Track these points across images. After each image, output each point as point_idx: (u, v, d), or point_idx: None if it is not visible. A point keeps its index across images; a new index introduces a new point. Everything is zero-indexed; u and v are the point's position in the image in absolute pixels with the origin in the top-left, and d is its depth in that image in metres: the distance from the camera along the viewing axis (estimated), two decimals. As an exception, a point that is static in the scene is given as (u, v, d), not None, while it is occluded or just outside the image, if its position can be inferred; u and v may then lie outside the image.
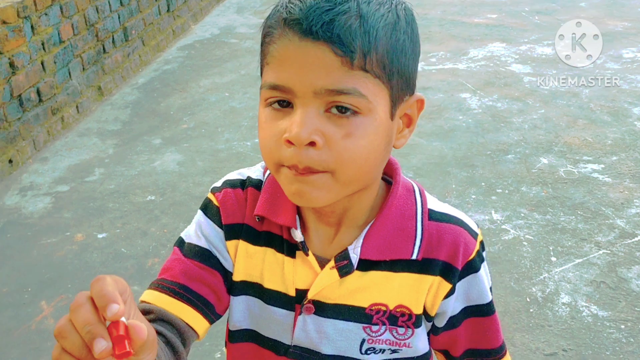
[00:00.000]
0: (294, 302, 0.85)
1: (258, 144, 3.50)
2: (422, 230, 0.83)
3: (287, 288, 0.85)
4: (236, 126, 3.80)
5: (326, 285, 0.83)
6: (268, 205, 0.85)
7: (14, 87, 3.28)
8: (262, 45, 0.76)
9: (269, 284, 0.86)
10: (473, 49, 4.95)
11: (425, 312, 0.85)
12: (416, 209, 0.85)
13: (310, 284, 0.84)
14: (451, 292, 0.84)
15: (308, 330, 0.86)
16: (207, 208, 0.89)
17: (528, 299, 2.43)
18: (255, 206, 0.86)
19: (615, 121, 3.74)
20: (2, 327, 2.34)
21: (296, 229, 0.82)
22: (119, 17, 4.30)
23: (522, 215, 2.92)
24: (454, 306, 0.86)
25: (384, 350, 0.85)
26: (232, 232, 0.87)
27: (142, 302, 0.85)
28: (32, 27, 3.38)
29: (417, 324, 0.85)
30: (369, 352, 0.85)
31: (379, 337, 0.85)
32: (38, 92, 3.48)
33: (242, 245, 0.87)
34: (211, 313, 0.86)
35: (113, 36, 4.24)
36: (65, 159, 3.49)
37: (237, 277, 0.88)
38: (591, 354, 2.17)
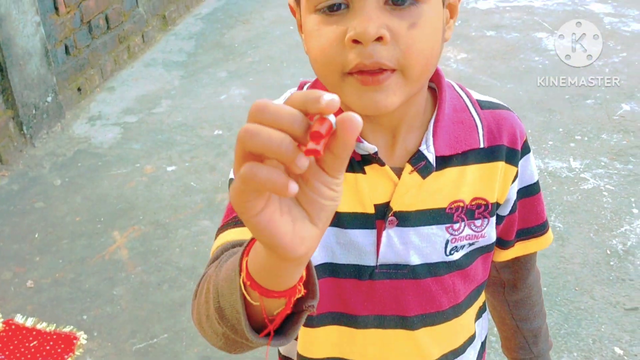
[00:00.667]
0: (375, 218, 0.81)
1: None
2: (480, 119, 0.83)
3: (364, 206, 0.81)
4: (302, 61, 3.70)
5: (408, 191, 0.80)
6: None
7: (84, 13, 3.25)
8: None
9: (343, 207, 0.81)
10: (549, -15, 4.68)
11: (496, 201, 0.85)
12: (464, 100, 0.84)
13: (389, 196, 0.80)
14: (516, 176, 0.85)
15: (393, 245, 0.82)
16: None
17: (608, 252, 2.34)
18: None
19: None
20: (77, 255, 2.38)
21: (362, 142, 0.77)
22: (183, -56, 4.20)
23: (603, 164, 2.79)
24: (514, 190, 0.86)
25: (463, 246, 0.85)
26: None
27: (228, 242, 0.76)
28: (100, -48, 3.31)
29: (492, 213, 0.85)
30: (452, 252, 0.84)
31: (460, 235, 0.84)
32: (106, 19, 3.45)
33: None
34: None
35: (178, -37, 4.15)
36: (132, 89, 3.47)
37: None
38: (676, 311, 2.09)
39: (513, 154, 0.84)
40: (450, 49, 3.83)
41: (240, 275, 0.60)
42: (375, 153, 0.78)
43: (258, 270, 0.57)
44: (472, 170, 0.82)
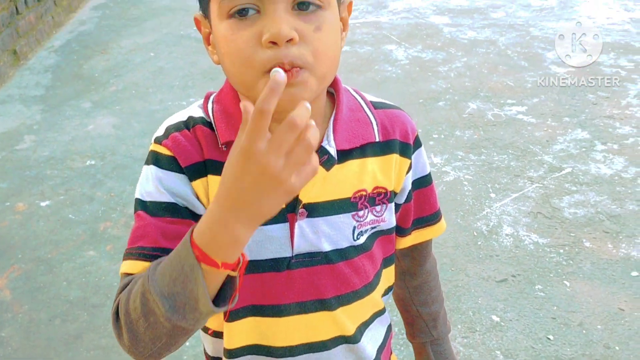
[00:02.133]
0: (286, 212, 0.87)
1: (193, 102, 3.46)
2: (373, 116, 0.91)
3: None
4: (168, 86, 3.72)
5: (315, 184, 0.86)
6: (229, 131, 0.85)
7: None
8: None
9: None
10: (392, 1, 5.05)
11: (393, 189, 0.94)
12: (359, 102, 0.93)
13: None
14: (410, 167, 0.94)
15: (306, 235, 0.88)
16: (159, 160, 0.85)
17: (475, 233, 2.59)
18: (209, 141, 0.85)
19: (531, 66, 3.97)
20: (-46, 302, 2.24)
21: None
22: (29, -24, 4.06)
23: (460, 157, 3.08)
24: (409, 181, 0.95)
25: (367, 230, 0.92)
26: (196, 171, 0.85)
27: (126, 274, 0.82)
28: (-60, -13, 3.14)
29: (390, 200, 0.93)
30: (358, 236, 0.91)
31: (365, 221, 0.91)
32: (-48, 58, 3.26)
33: (213, 178, 0.85)
34: None
35: (24, -4, 4.01)
36: (-11, 128, 3.31)
37: None
38: (537, 277, 2.37)
39: (406, 148, 0.93)
40: (311, 64, 4.02)
41: (194, 253, 0.68)
42: None
43: (214, 250, 0.68)
44: (371, 162, 0.90)
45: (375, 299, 0.99)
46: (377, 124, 0.91)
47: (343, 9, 0.84)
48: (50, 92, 3.67)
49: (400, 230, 1.00)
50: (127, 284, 0.79)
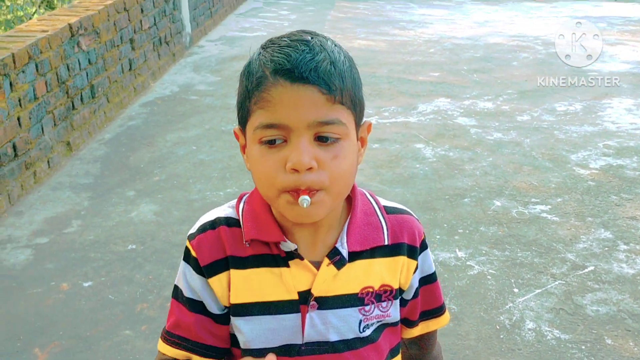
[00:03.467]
0: (299, 304, 0.99)
1: (230, 193, 3.66)
2: (385, 221, 1.03)
3: (290, 294, 0.99)
4: (207, 177, 3.95)
5: (326, 280, 0.98)
6: (255, 230, 0.99)
7: (-8, 142, 3.35)
8: (248, 94, 0.92)
9: (272, 296, 0.99)
10: (421, 104, 5.31)
11: (399, 287, 1.04)
12: (373, 207, 1.05)
13: (309, 284, 0.98)
14: (417, 268, 1.05)
15: (315, 325, 0.99)
16: (188, 257, 1.01)
17: (497, 327, 2.65)
18: (234, 239, 0.99)
19: (556, 167, 4.11)
20: (-2, 375, 2.37)
21: (285, 241, 0.97)
22: (87, 75, 4.43)
23: (484, 252, 3.18)
24: (416, 279, 1.06)
25: (373, 324, 1.02)
26: (214, 269, 1.00)
27: (162, 353, 1.06)
28: (10, 84, 3.47)
29: (396, 296, 1.03)
30: (364, 329, 1.01)
31: (371, 315, 1.01)
32: (14, 147, 3.55)
33: (235, 272, 0.99)
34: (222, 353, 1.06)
35: (81, 93, 4.36)
36: (40, 212, 3.54)
37: (237, 300, 1.00)
38: (558, 372, 2.40)
39: (413, 250, 1.04)
40: (342, 161, 4.23)
41: None
42: (296, 250, 0.98)
43: None
44: (379, 263, 1.02)
45: None
46: (387, 229, 1.02)
47: (362, 129, 0.98)
48: (98, 181, 3.94)
49: (409, 322, 1.11)
50: None
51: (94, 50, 4.56)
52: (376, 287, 1.01)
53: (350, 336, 1.01)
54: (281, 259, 0.98)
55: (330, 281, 0.99)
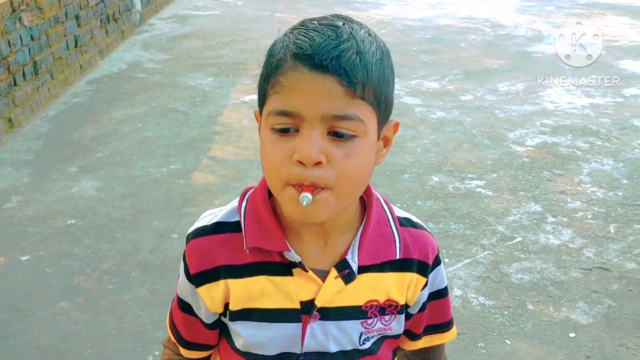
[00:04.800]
0: (300, 313, 0.94)
1: (174, 170, 3.69)
2: (398, 234, 0.96)
3: (292, 303, 0.94)
4: (151, 154, 3.96)
5: (331, 292, 0.94)
6: (257, 237, 0.93)
7: None
8: (267, 76, 0.86)
9: (273, 304, 0.95)
10: (369, 83, 5.39)
11: (405, 302, 1.00)
12: (387, 216, 0.98)
13: (313, 294, 0.93)
14: (426, 285, 1.00)
15: (316, 336, 0.96)
16: (184, 259, 0.98)
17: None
18: (232, 245, 0.94)
19: (494, 144, 4.25)
20: None
21: (289, 251, 0.91)
22: (29, 51, 4.38)
23: (419, 225, 3.28)
24: (425, 294, 1.01)
25: (374, 337, 0.99)
26: (204, 277, 0.96)
27: (168, 340, 1.11)
28: (-55, 58, 3.42)
29: (400, 312, 0.99)
30: (364, 342, 0.98)
31: (373, 328, 0.98)
32: (-50, 123, 3.51)
33: (232, 282, 0.95)
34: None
35: (24, 69, 4.31)
36: (-21, 188, 3.51)
37: (236, 307, 0.96)
38: (480, 335, 2.53)
39: (424, 267, 0.98)
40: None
41: None
42: (300, 262, 0.92)
43: None
44: (387, 277, 0.96)
45: None
46: (399, 242, 0.96)
47: (387, 128, 0.90)
48: (39, 157, 3.91)
49: (412, 334, 1.06)
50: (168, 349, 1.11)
51: (37, 26, 4.49)
52: (381, 301, 0.97)
53: (349, 348, 0.98)
54: (284, 267, 0.93)
55: (336, 293, 0.95)
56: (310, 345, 0.96)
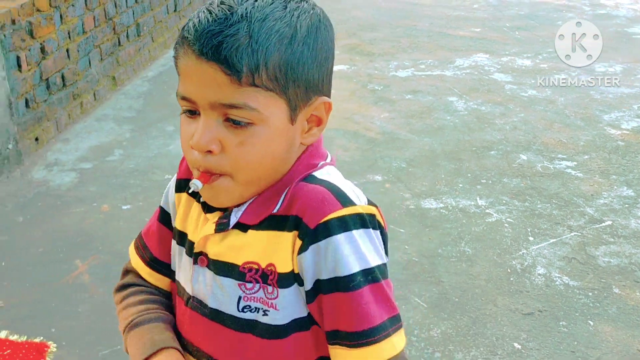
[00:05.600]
0: (192, 251, 0.92)
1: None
2: (288, 189, 0.85)
3: (194, 236, 0.92)
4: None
5: (205, 236, 0.89)
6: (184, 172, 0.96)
7: (43, 71, 3.55)
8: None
9: (189, 229, 0.94)
10: (459, 58, 5.33)
11: (291, 271, 0.84)
12: (297, 176, 0.86)
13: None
14: (304, 249, 0.82)
15: (200, 282, 0.90)
16: (180, 165, 0.99)
17: (509, 270, 2.77)
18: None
19: (587, 125, 4.14)
20: (42, 280, 2.61)
21: (193, 179, 0.86)
22: (133, 13, 4.59)
23: (504, 202, 3.27)
24: (311, 270, 0.82)
25: (258, 309, 0.86)
26: (181, 185, 0.97)
27: (131, 268, 1.07)
28: (60, 16, 3.65)
29: (280, 284, 0.84)
30: (245, 309, 0.86)
31: (253, 295, 0.86)
32: (62, 77, 3.76)
33: (185, 196, 0.95)
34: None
35: (127, 30, 4.53)
36: (85, 140, 3.76)
37: (176, 224, 0.97)
38: (563, 314, 2.52)
39: (299, 225, 0.82)
40: (375, 108, 4.33)
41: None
42: (196, 193, 0.88)
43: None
44: (267, 236, 0.85)
45: None
46: (283, 197, 0.85)
47: (315, 107, 0.84)
48: (140, 115, 4.13)
49: (326, 334, 0.86)
50: (127, 271, 1.09)
51: (140, -11, 4.70)
52: (262, 265, 0.85)
53: (227, 310, 0.88)
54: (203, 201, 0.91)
55: (215, 242, 0.89)
56: (196, 291, 0.92)
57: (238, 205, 0.88)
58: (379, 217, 0.86)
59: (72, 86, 3.88)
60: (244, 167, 0.80)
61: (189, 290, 0.93)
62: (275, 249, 0.84)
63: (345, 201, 0.82)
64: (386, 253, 0.87)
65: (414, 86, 4.72)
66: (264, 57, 0.76)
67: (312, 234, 0.81)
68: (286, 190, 0.85)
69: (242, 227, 0.87)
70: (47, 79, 3.61)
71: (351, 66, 5.04)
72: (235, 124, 0.79)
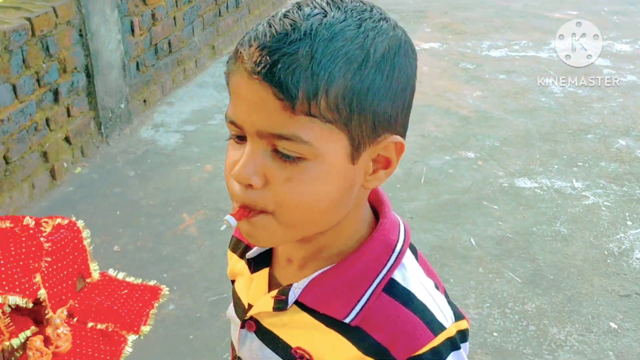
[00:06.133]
0: (243, 313, 0.85)
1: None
2: (366, 299, 0.73)
3: (245, 298, 0.85)
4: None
5: (262, 310, 0.80)
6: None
7: (153, 37, 3.74)
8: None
9: (238, 288, 0.88)
10: (554, 40, 5.22)
11: None
12: (379, 273, 0.74)
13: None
14: None
15: (246, 347, 0.84)
16: None
17: (606, 252, 2.75)
18: None
19: (691, 114, 4.00)
20: (153, 230, 2.79)
21: (251, 247, 0.82)
22: (234, -15, 4.74)
23: (601, 185, 3.23)
24: None
25: None
26: (236, 246, 0.91)
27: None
28: (170, -15, 3.83)
29: None
30: None
31: None
32: (169, 44, 3.94)
33: (230, 252, 0.91)
34: None
35: (227, 2, 4.68)
36: (188, 104, 3.94)
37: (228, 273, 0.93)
38: (662, 299, 2.50)
39: (384, 356, 0.72)
40: (467, 87, 4.32)
41: None
42: (251, 260, 0.83)
43: None
44: (330, 335, 0.75)
45: None
46: (359, 308, 0.73)
47: (384, 147, 0.71)
48: (238, 83, 4.28)
49: None
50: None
51: (241, -39, 4.84)
52: (313, 358, 0.76)
53: None
54: (253, 262, 0.85)
55: (273, 314, 0.79)
56: (242, 353, 0.85)
57: (272, 263, 0.82)
58: (467, 327, 0.77)
59: (177, 53, 4.05)
60: (289, 206, 0.69)
61: (236, 348, 0.87)
62: (333, 354, 0.74)
63: (437, 329, 0.72)
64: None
65: (507, 66, 4.67)
66: (325, 83, 0.64)
67: None
68: (365, 296, 0.73)
69: (301, 305, 0.76)
70: (155, 44, 3.79)
71: (443, 44, 5.03)
72: (284, 157, 0.67)
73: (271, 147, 0.67)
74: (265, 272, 0.82)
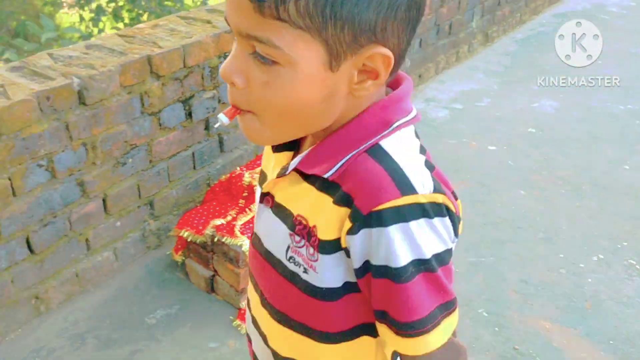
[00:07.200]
0: (263, 191, 0.87)
1: (631, 109, 3.79)
2: (348, 157, 0.74)
3: (271, 175, 0.86)
4: (609, 91, 4.11)
5: (274, 180, 0.83)
6: None
7: (438, 17, 4.01)
8: None
9: (268, 169, 0.89)
10: None
11: (342, 247, 0.75)
12: (368, 140, 0.74)
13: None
14: (354, 231, 0.72)
15: (262, 220, 0.86)
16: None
17: None
18: None
19: None
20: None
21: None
22: (518, -24, 4.84)
23: None
24: (360, 252, 0.73)
25: (299, 265, 0.80)
26: None
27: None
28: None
29: (322, 249, 0.76)
30: (290, 260, 0.81)
31: (298, 249, 0.79)
32: (450, 26, 4.19)
33: None
34: None
35: (509, -8, 4.80)
36: (457, 85, 4.17)
37: (262, 166, 0.94)
38: None
39: (350, 204, 0.72)
40: None
41: None
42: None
43: None
44: (316, 195, 0.77)
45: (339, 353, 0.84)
46: (340, 164, 0.74)
47: (368, 57, 0.68)
48: (507, 71, 4.40)
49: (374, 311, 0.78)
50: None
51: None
52: (310, 224, 0.77)
53: (276, 254, 0.84)
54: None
55: (284, 187, 0.82)
56: (258, 227, 0.88)
57: (300, 150, 0.83)
58: (446, 203, 0.73)
59: (454, 35, 4.29)
60: (266, 109, 0.70)
61: (255, 225, 0.90)
62: (320, 213, 0.75)
63: (406, 189, 0.70)
64: (456, 235, 0.77)
65: None
66: None
67: (363, 220, 0.70)
68: (348, 156, 0.74)
69: (300, 173, 0.79)
70: (438, 25, 4.07)
71: None
72: (262, 59, 0.67)
73: (252, 49, 0.67)
74: (287, 154, 0.83)
